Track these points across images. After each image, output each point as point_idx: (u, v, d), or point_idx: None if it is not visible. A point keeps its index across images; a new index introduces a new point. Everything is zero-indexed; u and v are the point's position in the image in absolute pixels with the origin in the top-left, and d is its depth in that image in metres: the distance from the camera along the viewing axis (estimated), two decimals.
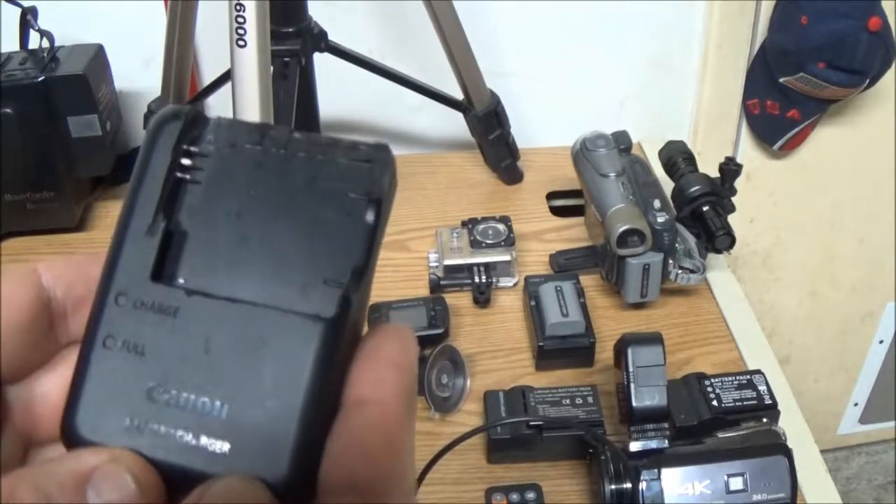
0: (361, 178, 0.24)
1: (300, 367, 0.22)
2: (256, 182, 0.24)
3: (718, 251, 0.94)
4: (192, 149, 0.25)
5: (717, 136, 1.31)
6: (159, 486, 0.23)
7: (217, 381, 0.23)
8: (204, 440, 0.22)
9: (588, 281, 0.97)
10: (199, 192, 0.25)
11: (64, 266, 0.26)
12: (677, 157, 1.01)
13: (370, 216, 0.23)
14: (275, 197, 0.24)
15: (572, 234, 1.07)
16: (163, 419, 0.23)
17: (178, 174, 0.25)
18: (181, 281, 0.24)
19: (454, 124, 1.17)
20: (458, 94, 1.09)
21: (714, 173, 0.98)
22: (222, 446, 0.22)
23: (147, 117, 1.10)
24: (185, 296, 0.23)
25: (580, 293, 0.91)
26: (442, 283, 0.97)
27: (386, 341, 0.24)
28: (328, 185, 0.24)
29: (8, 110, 0.96)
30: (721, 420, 0.76)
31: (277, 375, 0.22)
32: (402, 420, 0.23)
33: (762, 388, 0.79)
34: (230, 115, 0.80)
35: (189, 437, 0.22)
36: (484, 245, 0.98)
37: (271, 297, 0.23)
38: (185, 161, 0.25)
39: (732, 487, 0.69)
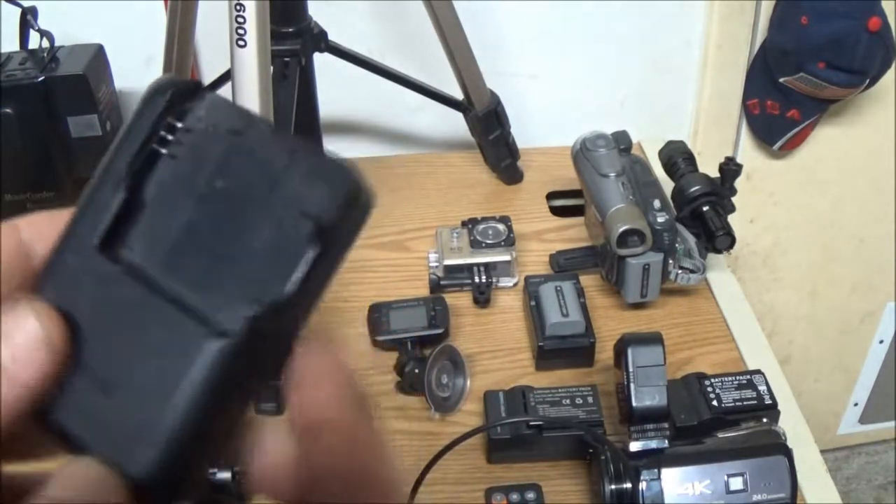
0: (318, 199, 0.22)
1: (187, 376, 0.22)
2: (224, 173, 0.23)
3: (718, 251, 0.94)
4: (176, 123, 0.24)
5: (717, 136, 1.31)
6: (66, 345, 0.23)
7: (116, 366, 0.23)
8: (87, 415, 0.22)
9: (588, 281, 0.97)
10: (171, 167, 0.24)
11: (47, 222, 0.25)
12: (677, 157, 1.01)
13: (313, 246, 0.22)
14: (235, 194, 0.23)
15: (572, 234, 1.07)
16: (68, 385, 0.23)
17: (156, 146, 0.24)
18: (126, 252, 0.24)
19: (454, 124, 1.17)
20: (458, 94, 1.09)
21: (714, 173, 0.98)
22: (98, 427, 0.22)
23: None
24: (121, 273, 0.23)
25: (580, 293, 0.91)
26: (442, 283, 0.97)
27: (317, 362, 0.24)
28: (286, 198, 0.23)
29: (8, 110, 0.96)
30: (721, 420, 0.76)
31: (167, 378, 0.22)
32: (361, 431, 0.23)
33: (762, 388, 0.78)
34: None
35: (79, 408, 0.23)
36: (484, 245, 0.98)
37: (194, 297, 0.23)
38: (165, 133, 0.24)
39: (732, 487, 0.69)
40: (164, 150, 0.24)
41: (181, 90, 0.24)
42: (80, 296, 0.23)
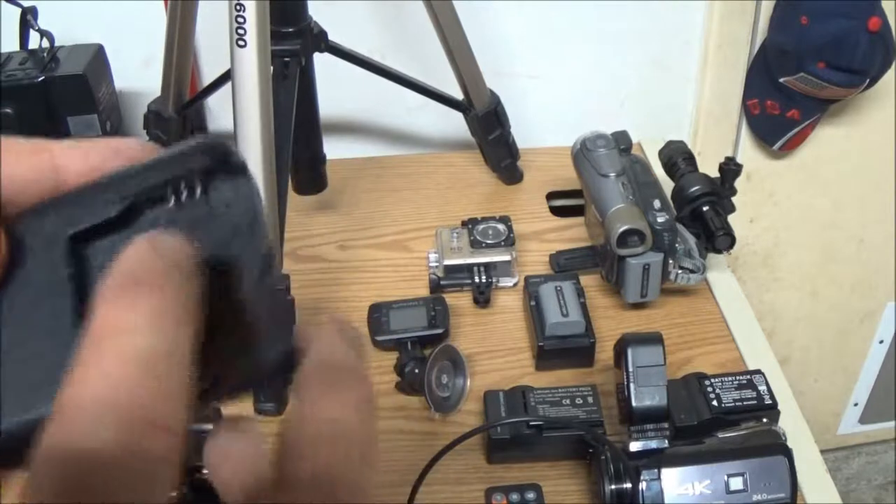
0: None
1: None
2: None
3: (718, 251, 0.94)
4: (198, 187, 0.25)
5: (717, 136, 1.31)
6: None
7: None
8: None
9: (588, 281, 0.97)
10: (166, 217, 0.25)
11: (80, 158, 0.25)
12: (677, 157, 1.01)
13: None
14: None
15: (572, 234, 1.07)
16: None
17: (170, 192, 0.25)
18: (87, 258, 0.24)
19: (454, 124, 1.17)
20: (458, 94, 1.09)
21: (714, 173, 0.98)
22: None
23: (147, 117, 1.10)
24: (66, 279, 0.23)
25: (580, 293, 0.91)
26: (442, 283, 0.97)
27: (230, 445, 0.24)
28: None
29: (8, 110, 0.96)
30: (721, 420, 0.76)
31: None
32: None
33: (762, 388, 0.79)
34: (230, 115, 0.80)
35: None
36: (484, 245, 0.98)
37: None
38: (184, 188, 0.24)
39: (732, 487, 0.69)
40: (170, 203, 0.24)
41: (228, 162, 0.24)
42: (27, 271, 0.24)
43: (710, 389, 0.78)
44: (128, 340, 0.20)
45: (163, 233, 0.23)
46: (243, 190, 0.24)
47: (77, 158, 0.25)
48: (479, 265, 0.97)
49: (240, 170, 0.25)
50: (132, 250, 0.22)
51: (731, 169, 0.96)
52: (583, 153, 1.00)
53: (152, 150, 0.26)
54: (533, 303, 0.90)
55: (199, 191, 0.24)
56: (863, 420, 1.74)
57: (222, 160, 0.24)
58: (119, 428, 0.19)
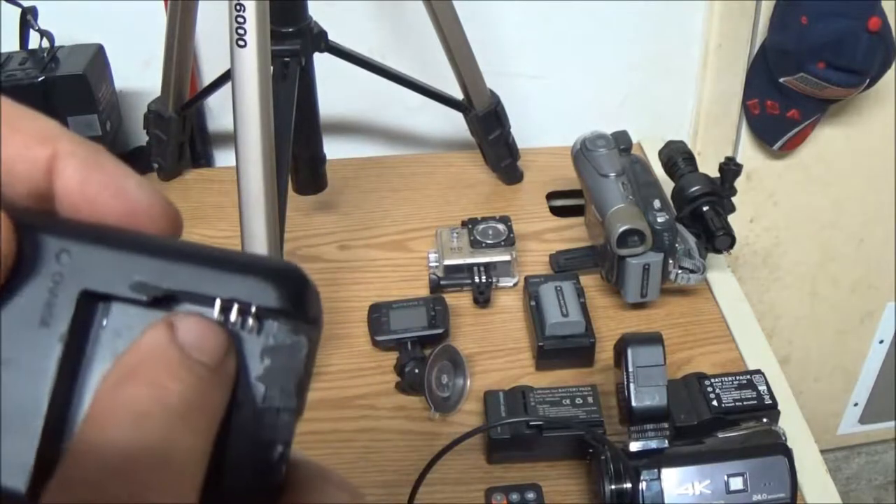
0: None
1: None
2: None
3: (718, 251, 0.94)
4: (250, 319, 0.22)
5: (717, 136, 1.31)
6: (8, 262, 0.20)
7: None
8: None
9: (588, 281, 0.97)
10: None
11: (78, 181, 0.22)
12: (677, 157, 1.01)
13: None
14: None
15: (572, 234, 1.07)
16: None
17: (218, 311, 0.21)
18: (99, 314, 0.22)
19: (454, 124, 1.17)
20: (458, 94, 1.09)
21: (714, 173, 0.98)
22: None
23: (147, 117, 1.10)
24: (60, 338, 0.21)
25: (580, 293, 0.91)
26: (442, 283, 0.97)
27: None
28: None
29: None
30: (721, 420, 0.76)
31: None
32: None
33: (762, 388, 0.79)
34: (230, 115, 0.80)
35: None
36: (484, 245, 0.98)
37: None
38: (237, 313, 0.22)
39: (732, 487, 0.69)
40: (214, 315, 0.21)
41: (301, 306, 0.21)
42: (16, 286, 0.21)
43: (710, 389, 0.78)
44: (107, 439, 0.19)
45: (190, 318, 0.20)
46: (299, 346, 0.21)
47: (75, 175, 0.21)
48: (479, 265, 0.97)
49: (311, 320, 0.21)
50: (148, 336, 0.20)
51: (731, 169, 0.96)
52: (583, 153, 1.00)
53: (174, 218, 0.22)
54: (533, 303, 0.90)
55: (250, 325, 0.21)
56: (863, 420, 1.74)
57: (297, 305, 0.21)
58: None
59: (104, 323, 0.21)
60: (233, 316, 0.21)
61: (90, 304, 0.21)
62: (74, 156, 0.21)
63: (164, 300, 0.21)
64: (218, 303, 0.21)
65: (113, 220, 0.22)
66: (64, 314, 0.21)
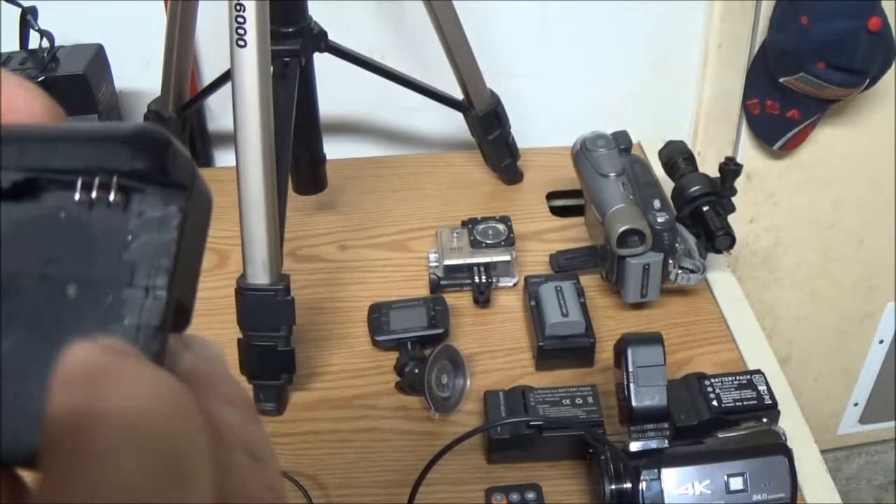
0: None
1: None
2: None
3: (718, 251, 0.94)
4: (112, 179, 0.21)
5: (717, 136, 1.31)
6: None
7: None
8: None
9: (588, 281, 0.97)
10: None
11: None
12: (677, 157, 1.01)
13: None
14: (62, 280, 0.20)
15: (572, 234, 1.07)
16: None
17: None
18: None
19: (454, 124, 1.17)
20: (458, 94, 1.09)
21: (714, 173, 0.98)
22: None
23: (147, 117, 1.10)
24: None
25: (580, 293, 0.91)
26: (442, 283, 0.97)
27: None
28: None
29: None
30: (721, 420, 0.76)
31: None
32: None
33: (762, 388, 0.79)
34: (230, 115, 0.80)
35: None
36: (484, 245, 0.98)
37: None
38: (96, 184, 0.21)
39: (732, 487, 0.69)
40: (76, 196, 0.20)
41: (165, 170, 0.20)
42: None
43: (710, 389, 0.78)
44: None
45: (111, 338, 0.19)
46: (169, 217, 0.20)
47: None
48: (479, 265, 0.97)
49: (179, 185, 0.20)
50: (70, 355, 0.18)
51: (731, 169, 0.96)
52: (583, 153, 1.00)
53: (54, 111, 0.21)
54: (533, 303, 0.90)
55: (112, 197, 0.20)
56: (863, 420, 1.74)
57: (159, 167, 0.20)
58: None
59: None
60: (94, 192, 0.19)
61: None
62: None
63: (26, 188, 0.20)
64: (79, 182, 0.20)
65: None
66: None
